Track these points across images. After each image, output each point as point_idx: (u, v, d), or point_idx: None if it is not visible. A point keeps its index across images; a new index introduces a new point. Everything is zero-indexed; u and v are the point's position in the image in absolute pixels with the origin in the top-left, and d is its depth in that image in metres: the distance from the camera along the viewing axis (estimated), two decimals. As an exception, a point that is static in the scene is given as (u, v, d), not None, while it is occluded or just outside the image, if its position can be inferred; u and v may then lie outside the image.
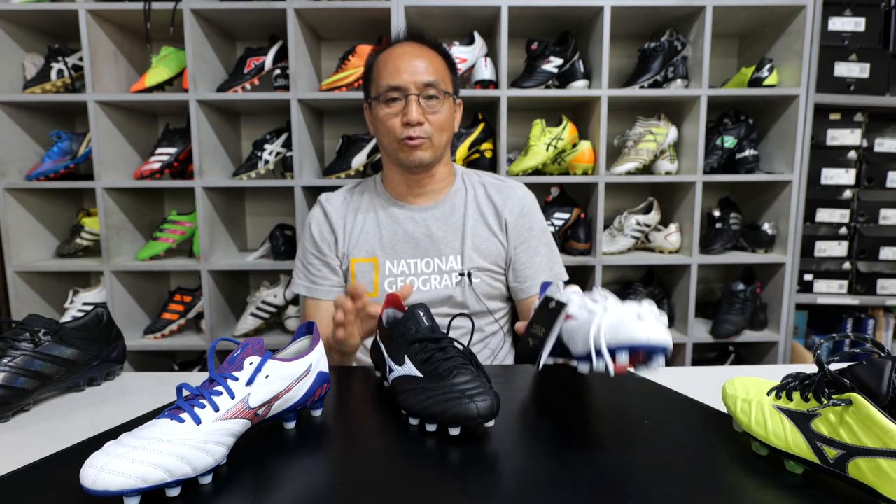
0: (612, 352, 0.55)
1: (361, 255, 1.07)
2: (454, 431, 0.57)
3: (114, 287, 1.63)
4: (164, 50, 1.62)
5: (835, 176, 1.72)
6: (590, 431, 0.61)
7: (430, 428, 0.59)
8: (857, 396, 0.43)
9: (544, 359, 0.65)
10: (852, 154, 1.72)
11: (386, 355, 0.70)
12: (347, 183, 1.19)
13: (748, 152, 1.68)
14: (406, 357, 0.65)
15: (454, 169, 1.14)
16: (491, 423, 0.58)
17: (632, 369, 0.57)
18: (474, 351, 1.06)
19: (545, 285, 0.75)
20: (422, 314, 0.67)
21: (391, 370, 0.68)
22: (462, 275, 1.04)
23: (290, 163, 1.65)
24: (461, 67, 1.59)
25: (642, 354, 0.54)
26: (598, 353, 0.55)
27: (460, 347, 0.65)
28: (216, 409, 0.50)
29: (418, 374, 0.62)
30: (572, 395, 0.73)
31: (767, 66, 1.61)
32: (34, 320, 0.74)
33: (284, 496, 0.47)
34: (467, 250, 1.05)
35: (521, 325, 0.81)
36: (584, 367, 0.62)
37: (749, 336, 1.70)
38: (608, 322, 0.55)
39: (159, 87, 1.59)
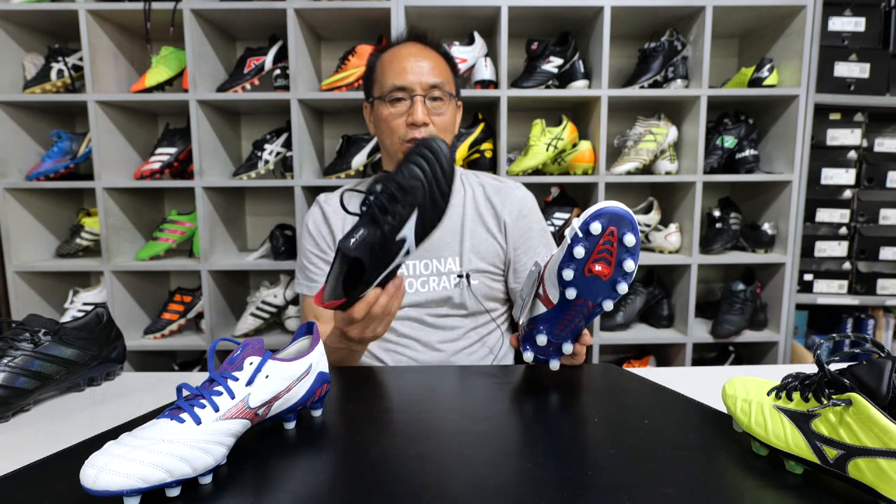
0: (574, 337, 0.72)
1: None
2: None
3: (114, 287, 1.63)
4: (164, 50, 1.62)
5: (835, 176, 1.72)
6: (589, 431, 0.61)
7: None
8: (857, 396, 0.43)
9: (524, 315, 0.73)
10: (852, 154, 1.72)
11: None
12: (347, 183, 1.19)
13: (748, 152, 1.68)
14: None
15: None
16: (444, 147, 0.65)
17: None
18: (473, 350, 1.07)
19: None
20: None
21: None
22: (461, 276, 1.04)
23: (290, 163, 1.65)
24: (461, 67, 1.59)
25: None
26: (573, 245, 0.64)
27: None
28: (216, 409, 0.50)
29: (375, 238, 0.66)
30: (571, 395, 0.73)
31: (767, 66, 1.61)
32: (34, 320, 0.74)
33: (284, 496, 0.47)
34: (465, 252, 1.05)
35: (514, 339, 0.83)
36: (555, 364, 0.74)
37: (749, 336, 1.70)
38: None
39: (159, 87, 1.59)
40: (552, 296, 0.68)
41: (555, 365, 0.74)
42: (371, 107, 1.07)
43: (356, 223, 0.66)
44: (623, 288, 0.65)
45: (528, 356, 0.74)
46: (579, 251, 0.63)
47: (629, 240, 0.62)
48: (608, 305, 0.66)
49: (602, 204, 0.63)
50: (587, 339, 0.75)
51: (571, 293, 0.65)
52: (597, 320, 1.67)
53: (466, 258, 1.05)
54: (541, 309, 0.71)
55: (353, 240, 0.65)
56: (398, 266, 0.71)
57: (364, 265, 0.67)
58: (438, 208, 0.68)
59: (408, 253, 0.69)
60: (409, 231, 0.67)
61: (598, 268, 0.64)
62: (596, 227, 0.62)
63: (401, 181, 0.65)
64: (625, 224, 0.62)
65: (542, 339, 0.71)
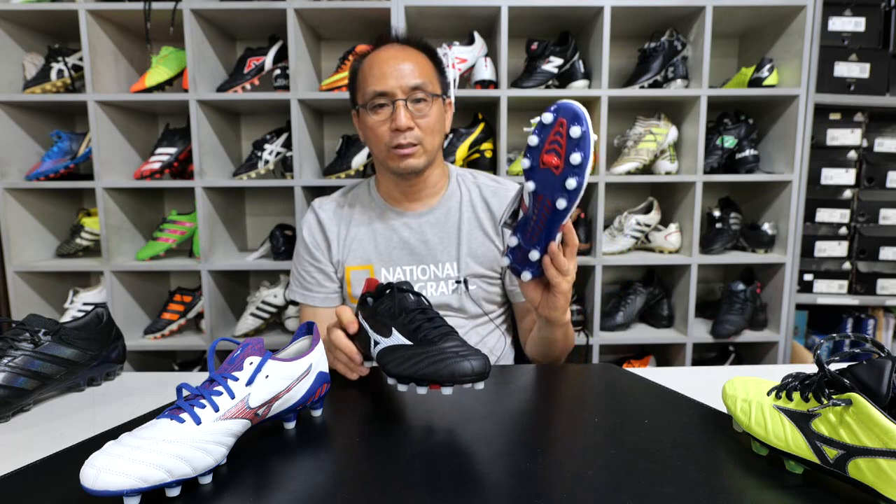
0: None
1: (356, 263, 1.05)
2: (447, 391, 0.59)
3: (114, 287, 1.63)
4: (164, 50, 1.62)
5: (835, 176, 1.72)
6: (589, 431, 0.61)
7: (422, 391, 0.60)
8: (857, 396, 0.43)
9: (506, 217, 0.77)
10: (852, 154, 1.72)
11: (370, 331, 0.70)
12: (345, 184, 1.18)
13: (748, 152, 1.68)
14: (393, 328, 0.66)
15: (448, 171, 1.12)
16: (481, 386, 0.59)
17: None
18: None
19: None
20: (406, 288, 0.70)
21: (376, 343, 0.68)
22: (458, 282, 1.04)
23: (290, 163, 1.65)
24: (461, 68, 1.59)
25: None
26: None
27: (446, 320, 0.67)
28: (216, 409, 0.50)
29: (407, 342, 0.63)
30: (571, 395, 0.73)
31: (767, 66, 1.61)
32: (34, 320, 0.74)
33: (284, 496, 0.47)
34: (463, 256, 1.04)
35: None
36: (526, 275, 0.76)
37: (749, 336, 1.70)
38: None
39: (159, 87, 1.59)
40: (526, 199, 0.73)
41: (526, 276, 0.77)
42: (358, 115, 1.05)
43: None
44: (571, 184, 0.66)
45: (505, 262, 0.79)
46: (534, 140, 0.68)
47: (574, 131, 0.65)
48: (561, 204, 0.68)
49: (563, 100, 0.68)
50: (553, 249, 0.74)
51: (530, 186, 0.70)
52: (597, 320, 1.68)
53: (464, 263, 1.04)
54: (520, 216, 0.76)
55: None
56: None
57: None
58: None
59: None
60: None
61: (550, 159, 0.68)
62: (547, 118, 0.67)
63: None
64: (571, 116, 0.65)
65: (513, 241, 0.76)
